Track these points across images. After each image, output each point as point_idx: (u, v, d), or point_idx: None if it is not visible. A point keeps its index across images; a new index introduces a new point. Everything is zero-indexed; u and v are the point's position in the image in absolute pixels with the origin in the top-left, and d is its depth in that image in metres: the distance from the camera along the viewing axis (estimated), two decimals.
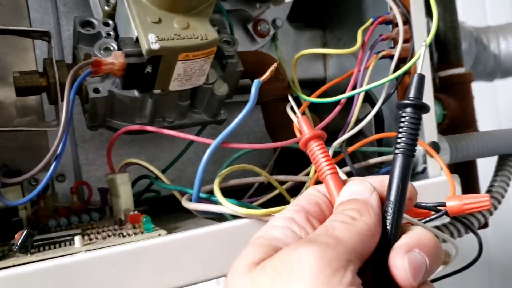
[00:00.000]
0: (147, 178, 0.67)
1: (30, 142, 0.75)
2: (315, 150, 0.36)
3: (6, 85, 0.73)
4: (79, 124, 0.75)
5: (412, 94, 0.33)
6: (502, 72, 1.25)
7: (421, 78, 0.33)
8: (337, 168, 0.37)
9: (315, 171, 0.50)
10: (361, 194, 0.33)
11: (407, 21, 0.65)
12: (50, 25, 0.76)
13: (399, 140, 0.33)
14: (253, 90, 0.49)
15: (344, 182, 0.35)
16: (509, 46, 1.22)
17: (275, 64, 0.50)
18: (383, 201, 0.33)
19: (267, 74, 0.51)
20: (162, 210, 0.70)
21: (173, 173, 0.80)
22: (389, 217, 0.32)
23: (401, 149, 0.33)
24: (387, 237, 0.31)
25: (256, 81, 0.49)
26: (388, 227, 0.31)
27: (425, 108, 0.33)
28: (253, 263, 0.30)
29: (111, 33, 0.58)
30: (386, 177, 0.34)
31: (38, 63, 0.75)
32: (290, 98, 0.41)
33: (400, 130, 0.33)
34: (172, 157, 0.80)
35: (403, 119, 0.33)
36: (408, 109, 0.33)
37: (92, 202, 0.71)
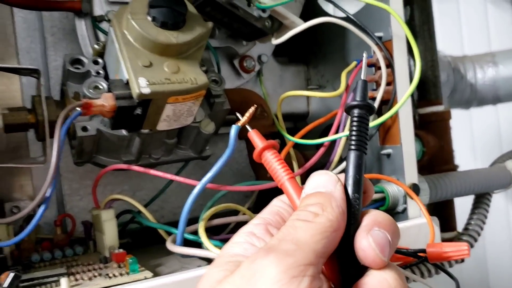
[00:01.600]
0: (131, 213, 0.67)
1: (12, 170, 0.75)
2: (270, 159, 0.36)
3: None
4: (63, 155, 0.74)
5: (358, 97, 0.35)
6: (478, 101, 1.29)
7: (365, 83, 0.36)
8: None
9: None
10: (324, 186, 0.33)
11: (389, 65, 0.67)
12: (37, 54, 0.76)
13: (352, 138, 0.35)
14: (232, 135, 0.48)
15: (302, 188, 0.35)
16: (485, 76, 1.26)
17: (252, 108, 0.49)
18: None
19: (245, 118, 0.51)
20: (145, 242, 0.71)
21: (156, 204, 0.80)
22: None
23: (354, 146, 0.34)
24: (349, 227, 0.32)
25: (234, 127, 0.48)
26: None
27: (371, 109, 0.35)
28: (216, 282, 0.30)
29: (101, 71, 0.58)
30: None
31: (23, 91, 0.75)
32: (238, 114, 0.42)
33: (352, 129, 0.35)
34: (155, 186, 0.81)
35: (354, 119, 0.35)
36: (357, 110, 0.35)
37: (74, 233, 0.71)
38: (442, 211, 0.86)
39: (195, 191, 0.52)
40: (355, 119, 0.35)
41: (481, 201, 0.83)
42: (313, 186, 0.33)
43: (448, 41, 2.04)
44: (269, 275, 0.28)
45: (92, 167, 0.76)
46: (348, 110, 0.35)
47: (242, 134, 0.71)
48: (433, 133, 0.85)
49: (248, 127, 0.39)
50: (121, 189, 0.79)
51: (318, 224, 0.30)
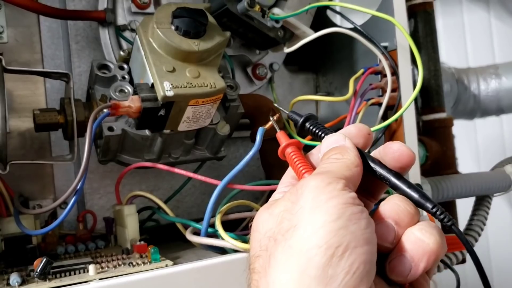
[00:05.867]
0: (151, 209, 0.71)
1: (36, 171, 0.79)
2: (291, 156, 0.40)
3: (16, 116, 0.78)
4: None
5: (299, 117, 0.43)
6: (481, 112, 1.32)
7: (292, 111, 0.44)
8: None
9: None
10: (336, 142, 0.38)
11: (394, 73, 0.71)
12: (61, 61, 0.81)
13: (324, 132, 0.40)
14: (258, 137, 0.53)
15: None
16: (488, 87, 1.29)
17: (277, 115, 0.54)
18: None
19: (270, 123, 0.55)
20: (161, 238, 0.74)
21: (171, 204, 0.84)
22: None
23: (330, 132, 0.40)
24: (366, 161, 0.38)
25: (260, 129, 0.52)
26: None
27: (315, 116, 0.42)
28: (269, 204, 0.36)
29: (126, 76, 0.63)
30: (351, 126, 0.40)
31: (47, 94, 0.80)
32: (271, 118, 0.46)
33: (319, 129, 0.41)
34: (172, 187, 0.85)
35: (314, 125, 0.42)
36: (309, 121, 0.42)
37: (95, 230, 0.75)
38: None
39: (222, 184, 0.56)
40: (313, 124, 0.42)
41: (481, 203, 0.87)
42: (327, 145, 0.38)
43: (453, 54, 2.08)
44: (311, 185, 0.33)
45: (111, 168, 0.80)
46: (302, 126, 0.42)
47: (254, 137, 0.75)
48: (436, 139, 0.89)
49: (276, 127, 0.43)
50: (139, 188, 0.83)
51: (342, 161, 0.36)
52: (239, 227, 0.75)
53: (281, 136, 0.42)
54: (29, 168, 0.79)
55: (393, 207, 0.35)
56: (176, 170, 0.59)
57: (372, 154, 0.39)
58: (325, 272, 0.30)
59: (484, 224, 0.85)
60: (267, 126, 0.52)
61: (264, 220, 0.35)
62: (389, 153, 0.37)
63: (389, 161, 0.37)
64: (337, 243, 0.30)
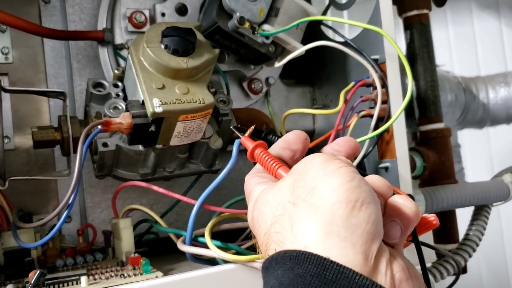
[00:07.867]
0: (148, 222, 0.73)
1: (41, 186, 0.82)
2: (261, 156, 0.43)
3: (22, 134, 0.81)
4: (86, 170, 0.81)
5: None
6: (491, 120, 1.31)
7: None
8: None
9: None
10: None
11: (384, 85, 0.72)
12: (64, 79, 0.83)
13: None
14: (234, 149, 0.53)
15: None
16: (497, 96, 1.29)
17: (252, 127, 0.54)
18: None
19: (246, 134, 0.56)
20: (160, 251, 0.76)
21: (171, 216, 0.86)
22: None
23: None
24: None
25: (236, 141, 0.52)
26: None
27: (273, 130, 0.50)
28: (271, 185, 0.41)
29: (120, 93, 0.65)
30: (290, 133, 0.45)
31: (51, 112, 0.82)
32: (232, 127, 0.51)
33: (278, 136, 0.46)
34: (171, 200, 0.86)
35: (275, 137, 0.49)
36: (270, 135, 0.48)
37: (96, 243, 0.77)
38: (444, 224, 0.89)
39: (198, 203, 0.58)
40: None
41: (479, 213, 0.87)
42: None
43: (464, 63, 2.08)
44: (319, 159, 0.38)
45: (112, 182, 0.83)
46: (265, 138, 0.49)
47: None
48: (434, 149, 0.89)
49: (239, 134, 0.45)
50: (140, 202, 0.85)
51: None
52: (239, 239, 0.76)
53: (246, 141, 0.45)
54: (34, 183, 0.81)
55: (376, 182, 0.40)
56: (155, 188, 0.62)
57: (329, 148, 0.46)
58: (349, 221, 0.35)
59: (483, 234, 0.85)
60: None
61: (274, 194, 0.39)
62: (345, 144, 0.46)
63: (347, 150, 0.46)
64: (355, 198, 0.35)
